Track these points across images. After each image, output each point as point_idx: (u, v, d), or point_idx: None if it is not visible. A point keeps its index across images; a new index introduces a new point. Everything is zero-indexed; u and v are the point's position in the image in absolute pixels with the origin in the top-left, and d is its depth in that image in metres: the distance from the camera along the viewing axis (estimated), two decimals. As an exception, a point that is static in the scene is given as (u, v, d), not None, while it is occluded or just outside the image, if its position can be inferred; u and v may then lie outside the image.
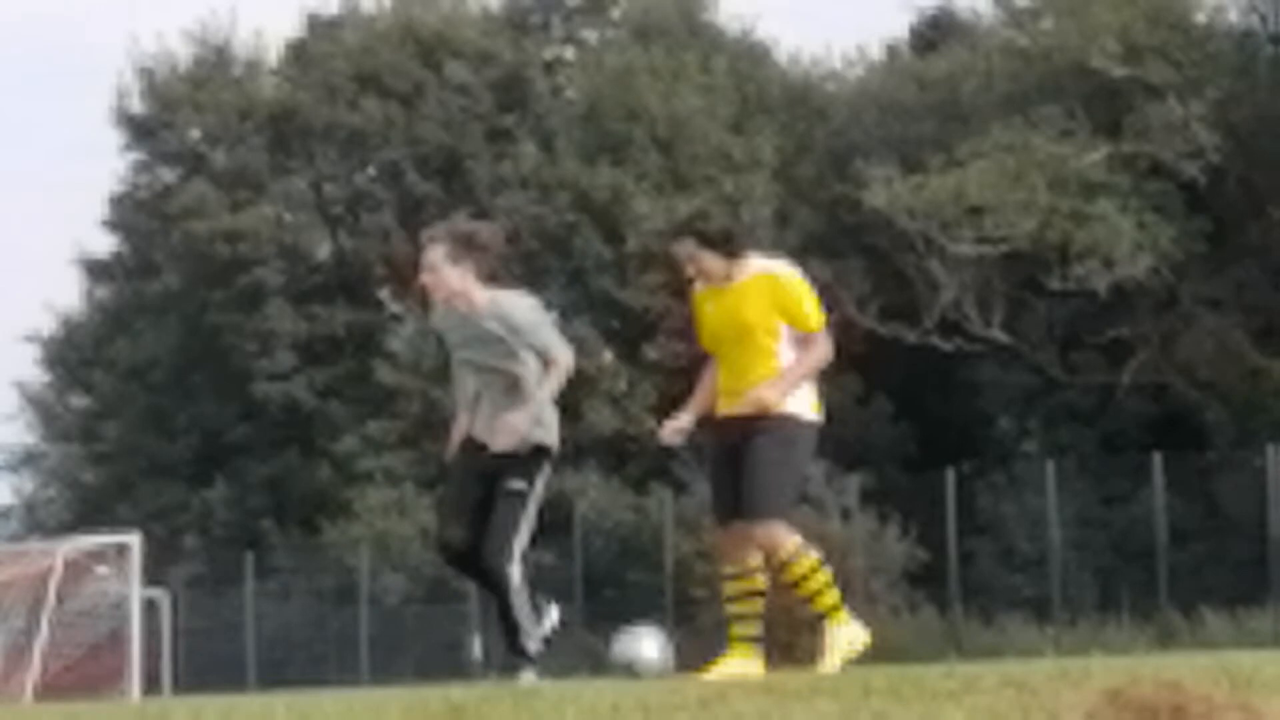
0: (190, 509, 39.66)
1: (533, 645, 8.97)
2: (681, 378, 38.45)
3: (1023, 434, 34.03)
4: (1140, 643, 26.42)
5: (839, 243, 35.68)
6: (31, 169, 70.35)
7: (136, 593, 29.15)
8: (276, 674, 33.19)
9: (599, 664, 29.23)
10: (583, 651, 31.43)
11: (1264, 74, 33.91)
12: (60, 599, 28.58)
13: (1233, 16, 34.89)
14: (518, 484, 8.96)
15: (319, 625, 36.15)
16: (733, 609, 8.75)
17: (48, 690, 27.10)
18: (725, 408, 8.78)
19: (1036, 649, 24.14)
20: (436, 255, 9.19)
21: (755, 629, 8.73)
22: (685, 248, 8.83)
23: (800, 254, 36.42)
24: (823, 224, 36.75)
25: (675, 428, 8.95)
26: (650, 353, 36.75)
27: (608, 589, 34.16)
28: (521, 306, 9.12)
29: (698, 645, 26.39)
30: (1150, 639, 27.02)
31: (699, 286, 8.92)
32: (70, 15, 70.98)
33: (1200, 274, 32.93)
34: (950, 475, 30.08)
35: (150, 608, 31.40)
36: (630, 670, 8.56)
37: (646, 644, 8.58)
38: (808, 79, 40.96)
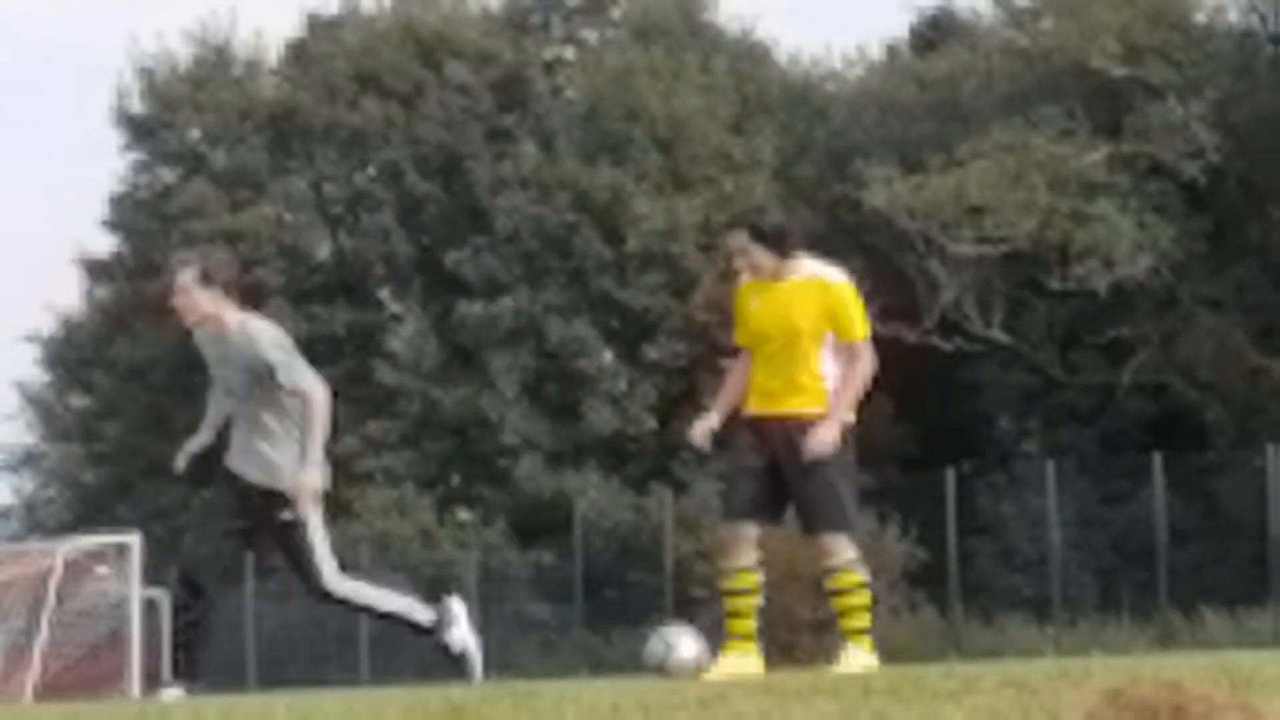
0: (190, 509, 39.62)
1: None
2: (681, 377, 38.71)
3: (1023, 434, 34.02)
4: (1140, 643, 26.42)
5: (839, 243, 35.62)
6: (31, 169, 70.38)
7: (136, 593, 29.14)
8: (276, 674, 33.19)
9: (599, 664, 29.22)
10: (583, 651, 31.44)
11: (1264, 74, 33.90)
12: (60, 599, 28.56)
13: (1233, 16, 34.91)
14: (287, 515, 8.99)
15: (319, 625, 36.14)
16: (731, 605, 8.76)
17: (48, 690, 27.08)
18: (760, 406, 8.76)
19: (1036, 649, 24.15)
20: (187, 278, 9.07)
21: (752, 625, 8.74)
22: (738, 239, 8.85)
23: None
24: (823, 224, 36.73)
25: (705, 428, 8.94)
26: (650, 353, 36.75)
27: (608, 589, 34.17)
28: (267, 335, 9.12)
29: (698, 645, 26.40)
30: (1150, 639, 27.01)
31: (744, 279, 8.92)
32: (70, 15, 71.00)
33: (1200, 274, 32.93)
34: (950, 475, 30.09)
35: (150, 608, 31.39)
36: (663, 671, 8.56)
37: (684, 642, 8.61)
38: (808, 79, 40.95)
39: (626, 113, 37.69)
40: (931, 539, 30.24)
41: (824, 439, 8.60)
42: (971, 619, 29.74)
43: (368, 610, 9.26)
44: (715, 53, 38.99)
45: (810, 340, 8.67)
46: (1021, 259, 32.41)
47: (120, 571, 29.26)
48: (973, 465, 32.26)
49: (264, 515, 9.05)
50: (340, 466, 41.62)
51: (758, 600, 8.77)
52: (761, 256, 8.78)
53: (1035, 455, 32.50)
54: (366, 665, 34.22)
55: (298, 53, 42.06)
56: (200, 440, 9.36)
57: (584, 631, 33.18)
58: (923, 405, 35.42)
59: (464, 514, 37.34)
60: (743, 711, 5.13)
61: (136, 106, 42.28)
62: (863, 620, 8.74)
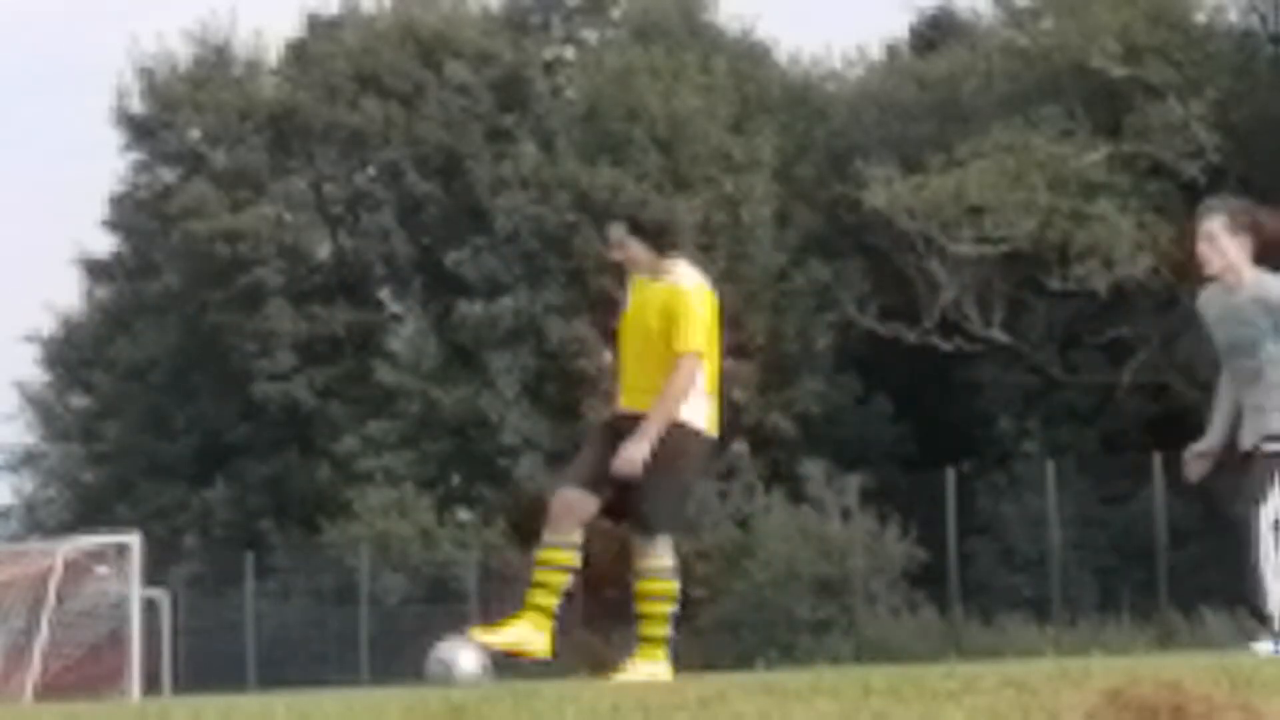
0: (190, 509, 39.65)
1: (1272, 607, 8.58)
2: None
3: (1023, 434, 34.01)
4: (1140, 643, 26.41)
5: (839, 243, 35.67)
6: (31, 169, 70.39)
7: (136, 593, 29.15)
8: (276, 674, 33.19)
9: (599, 664, 29.20)
10: (583, 651, 31.41)
11: (1264, 74, 33.90)
12: (60, 599, 28.58)
13: (1233, 16, 34.92)
14: (1273, 446, 8.54)
15: (319, 625, 36.14)
16: (539, 575, 8.61)
17: (48, 690, 27.09)
18: (625, 402, 8.69)
19: (1036, 649, 24.13)
20: (1215, 225, 8.80)
21: (553, 601, 8.60)
22: (616, 232, 8.76)
23: (800, 254, 36.52)
24: (823, 224, 36.73)
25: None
26: (650, 353, 36.71)
27: (608, 589, 34.14)
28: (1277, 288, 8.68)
29: (698, 645, 26.41)
30: (1150, 639, 27.00)
31: (634, 276, 8.85)
32: (70, 15, 71.01)
33: (1200, 274, 32.91)
34: (950, 475, 30.07)
35: (150, 608, 31.39)
36: (447, 681, 8.55)
37: (463, 655, 8.61)
38: (808, 79, 40.94)
39: (626, 113, 37.68)
40: (931, 539, 30.23)
41: (632, 458, 8.44)
42: (971, 619, 29.73)
43: (1248, 551, 8.78)
44: (715, 53, 38.98)
45: (659, 341, 8.58)
46: (1021, 259, 32.40)
47: (120, 571, 29.26)
48: (973, 465, 32.24)
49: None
50: (340, 466, 41.45)
51: (565, 580, 8.58)
52: (638, 251, 8.69)
53: (1035, 455, 32.49)
54: (366, 665, 34.21)
55: (298, 53, 42.05)
56: (1215, 438, 8.75)
57: (584, 631, 33.15)
58: (923, 405, 35.43)
59: (464, 514, 37.33)
60: (743, 711, 5.12)
61: (136, 106, 42.29)
62: (660, 629, 8.61)
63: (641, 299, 8.72)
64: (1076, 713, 4.36)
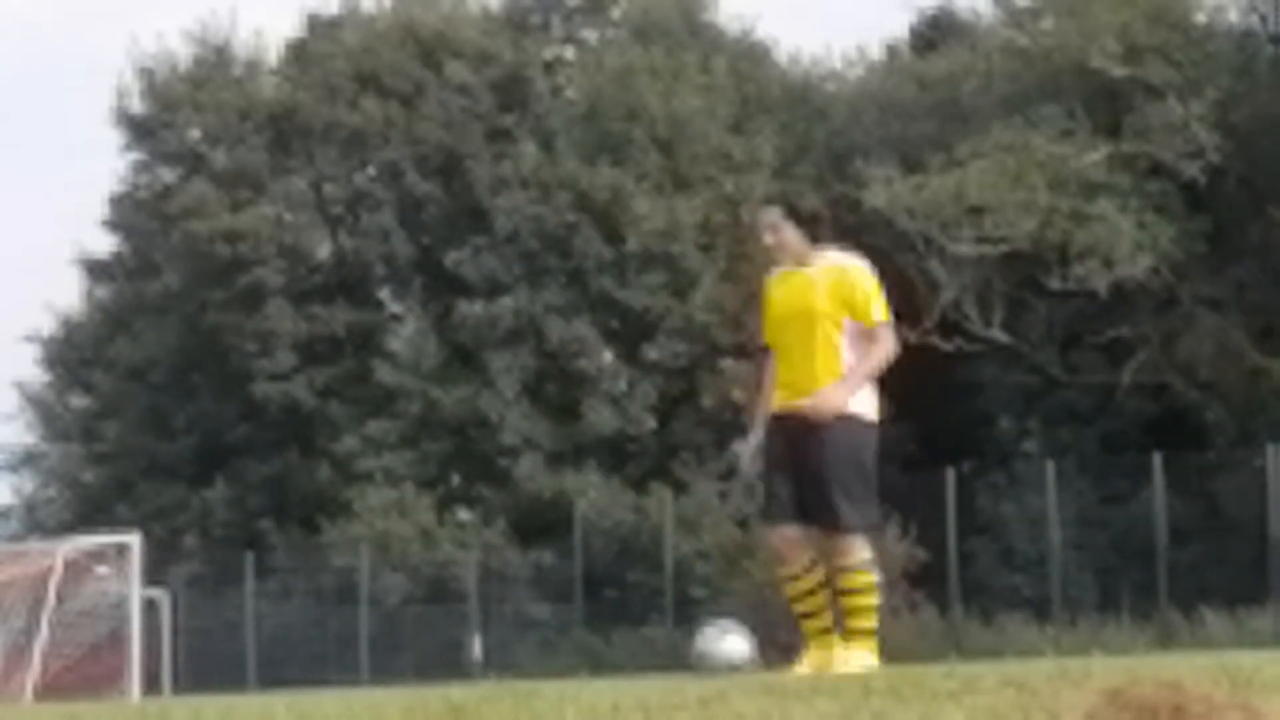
0: (190, 509, 39.65)
1: None
2: (681, 377, 38.57)
3: (1023, 434, 34.03)
4: (1140, 643, 26.42)
5: (839, 243, 35.62)
6: (31, 169, 70.41)
7: (136, 593, 29.16)
8: (276, 674, 33.21)
9: (599, 664, 29.23)
10: (583, 651, 31.44)
11: (1264, 74, 33.91)
12: (60, 599, 28.59)
13: (1233, 16, 34.91)
14: None
15: (319, 625, 36.15)
16: (800, 608, 8.78)
17: (48, 690, 27.11)
18: (785, 399, 8.74)
19: (1036, 649, 24.14)
20: None
21: (827, 620, 8.76)
22: (771, 215, 8.86)
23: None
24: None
25: (752, 449, 8.94)
26: (650, 353, 36.74)
27: (608, 589, 34.17)
28: None
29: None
30: (1150, 639, 27.02)
31: (772, 271, 8.92)
32: (70, 15, 71.03)
33: (1200, 274, 32.93)
34: (950, 475, 30.06)
35: (150, 608, 31.41)
36: (703, 667, 8.59)
37: (730, 641, 8.70)
38: (808, 79, 40.95)
39: (626, 113, 37.69)
40: (931, 539, 30.23)
41: (830, 398, 8.54)
42: (971, 619, 29.73)
43: None
44: (715, 53, 38.99)
45: (829, 324, 8.65)
46: (1021, 259, 32.40)
47: (120, 571, 29.27)
48: (973, 465, 32.24)
49: None
50: (340, 466, 41.40)
51: (824, 597, 8.75)
52: (790, 236, 8.80)
53: (1035, 455, 32.49)
54: (366, 665, 34.22)
55: (298, 53, 42.06)
56: None
57: (584, 631, 33.18)
58: (923, 405, 35.39)
59: (464, 514, 37.35)
60: (743, 711, 5.13)
61: (136, 106, 42.29)
62: (869, 621, 8.73)
63: (790, 288, 8.80)
64: (1076, 713, 4.36)
